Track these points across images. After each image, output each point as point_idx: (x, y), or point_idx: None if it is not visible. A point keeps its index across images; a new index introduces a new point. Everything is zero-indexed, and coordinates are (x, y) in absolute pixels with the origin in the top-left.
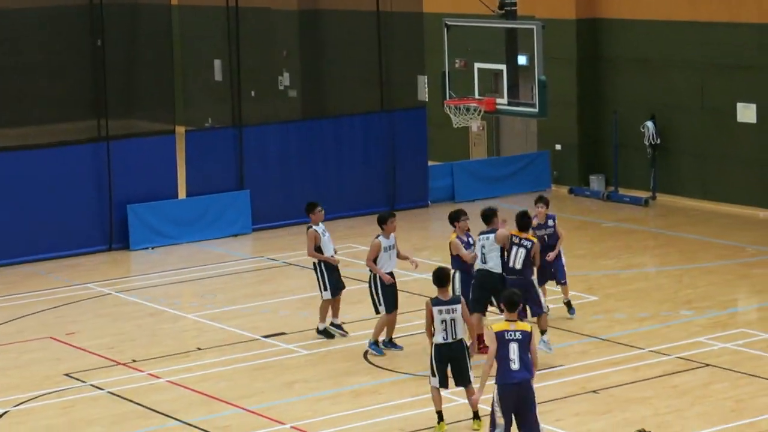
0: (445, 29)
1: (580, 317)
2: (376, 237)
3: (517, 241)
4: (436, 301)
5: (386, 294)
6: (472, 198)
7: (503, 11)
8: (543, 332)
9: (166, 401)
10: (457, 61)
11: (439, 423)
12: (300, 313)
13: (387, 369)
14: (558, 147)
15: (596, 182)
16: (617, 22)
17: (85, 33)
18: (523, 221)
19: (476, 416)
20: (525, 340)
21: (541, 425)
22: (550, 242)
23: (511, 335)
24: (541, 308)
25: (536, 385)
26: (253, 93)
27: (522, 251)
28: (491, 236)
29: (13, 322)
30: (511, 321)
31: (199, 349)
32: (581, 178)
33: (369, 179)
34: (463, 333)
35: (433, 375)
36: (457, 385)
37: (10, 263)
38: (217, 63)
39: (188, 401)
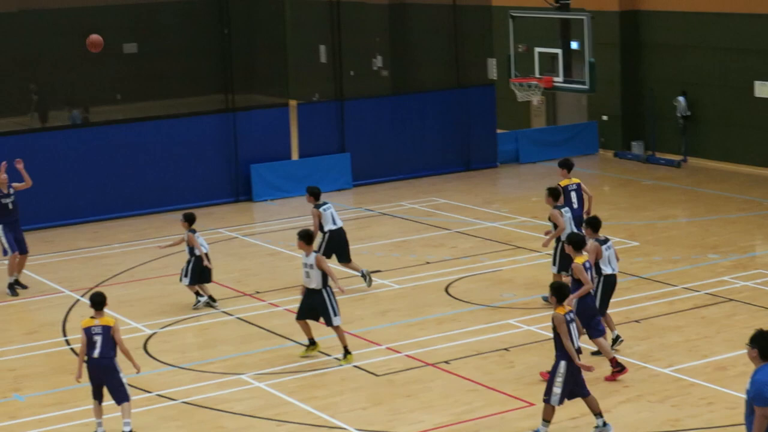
0: (511, 20)
1: (624, 259)
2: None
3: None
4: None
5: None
6: (533, 160)
7: (558, 4)
8: None
9: (283, 325)
10: (520, 46)
11: None
12: (392, 254)
13: (463, 301)
14: (604, 117)
15: (637, 147)
16: (654, 13)
17: (214, 22)
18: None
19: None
20: None
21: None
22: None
23: None
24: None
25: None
26: (351, 73)
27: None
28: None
29: (159, 260)
30: None
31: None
32: (624, 144)
33: (447, 144)
34: None
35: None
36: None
37: (154, 212)
38: (322, 48)
39: None
